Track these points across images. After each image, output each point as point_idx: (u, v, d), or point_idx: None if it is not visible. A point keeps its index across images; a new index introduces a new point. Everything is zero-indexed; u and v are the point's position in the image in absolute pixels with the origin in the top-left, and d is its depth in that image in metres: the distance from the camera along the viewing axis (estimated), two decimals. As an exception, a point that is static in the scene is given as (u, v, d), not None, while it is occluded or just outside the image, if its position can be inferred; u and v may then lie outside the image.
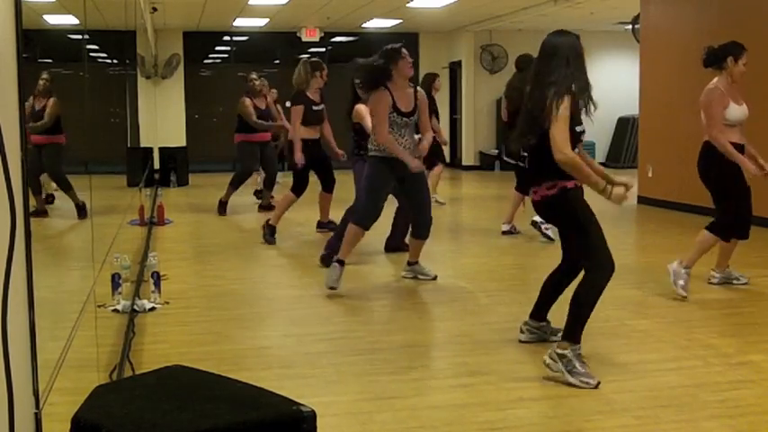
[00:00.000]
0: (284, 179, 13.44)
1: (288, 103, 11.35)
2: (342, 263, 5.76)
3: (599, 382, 3.87)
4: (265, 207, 10.45)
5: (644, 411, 3.59)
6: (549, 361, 3.96)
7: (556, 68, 3.96)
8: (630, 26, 12.74)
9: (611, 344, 4.55)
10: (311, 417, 2.15)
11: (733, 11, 9.35)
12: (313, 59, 8.46)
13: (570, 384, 3.85)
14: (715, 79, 5.56)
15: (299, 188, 8.25)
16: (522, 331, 4.58)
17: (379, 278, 5.81)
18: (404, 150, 5.78)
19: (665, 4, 11.01)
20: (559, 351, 3.94)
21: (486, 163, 17.02)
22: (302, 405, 2.18)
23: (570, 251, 4.36)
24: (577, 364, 3.90)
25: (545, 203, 4.10)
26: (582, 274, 4.37)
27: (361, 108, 6.89)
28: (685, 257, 5.56)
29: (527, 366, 4.29)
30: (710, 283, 5.86)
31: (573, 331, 3.96)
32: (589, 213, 4.05)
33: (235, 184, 10.26)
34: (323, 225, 8.75)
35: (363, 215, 5.92)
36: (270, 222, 8.24)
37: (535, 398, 3.81)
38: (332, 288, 5.69)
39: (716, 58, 5.57)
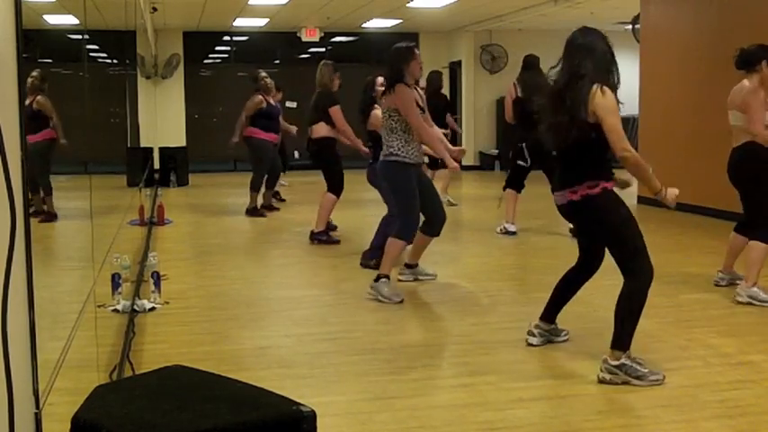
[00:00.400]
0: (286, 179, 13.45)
1: (288, 103, 11.36)
2: (387, 277, 5.68)
3: (664, 376, 3.89)
4: (266, 207, 10.45)
5: (644, 411, 3.60)
6: (608, 377, 3.86)
7: (587, 61, 3.87)
8: (630, 26, 12.74)
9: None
10: (311, 417, 2.15)
11: (733, 11, 9.34)
12: (329, 61, 8.41)
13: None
14: (745, 81, 5.47)
15: (337, 188, 8.15)
16: (533, 335, 4.48)
17: (379, 278, 5.82)
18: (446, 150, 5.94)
19: (665, 4, 11.01)
20: (614, 363, 3.85)
21: (486, 163, 17.01)
22: (302, 405, 2.18)
23: (589, 252, 4.27)
24: (638, 367, 3.86)
25: (584, 202, 3.91)
26: (584, 279, 4.36)
27: (378, 114, 6.85)
28: (748, 278, 5.39)
29: (527, 366, 4.29)
30: (718, 285, 5.83)
31: (622, 340, 3.89)
32: (628, 215, 3.95)
33: (256, 188, 10.20)
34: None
35: (405, 229, 5.76)
36: (313, 230, 8.08)
37: (535, 398, 3.81)
38: (400, 300, 5.61)
39: (748, 62, 5.45)
